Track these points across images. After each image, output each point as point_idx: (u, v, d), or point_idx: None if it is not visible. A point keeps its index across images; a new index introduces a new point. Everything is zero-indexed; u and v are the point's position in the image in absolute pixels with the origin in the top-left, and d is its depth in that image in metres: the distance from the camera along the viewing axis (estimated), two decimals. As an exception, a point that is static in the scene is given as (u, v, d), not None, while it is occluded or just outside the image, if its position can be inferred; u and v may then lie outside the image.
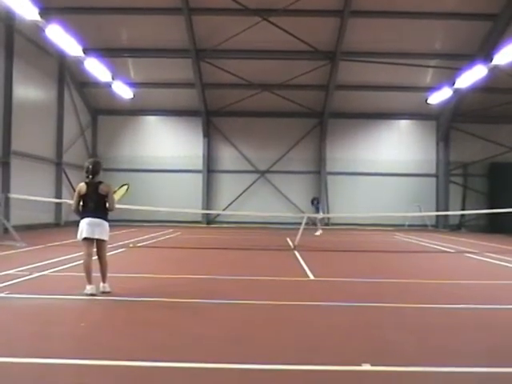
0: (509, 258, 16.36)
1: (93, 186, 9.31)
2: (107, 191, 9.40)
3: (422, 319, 7.87)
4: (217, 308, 8.41)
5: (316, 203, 29.11)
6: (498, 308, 8.78)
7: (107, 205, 9.46)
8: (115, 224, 33.64)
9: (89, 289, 9.03)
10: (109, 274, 9.42)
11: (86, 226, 9.23)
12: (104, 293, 9.20)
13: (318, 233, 27.77)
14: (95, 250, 9.44)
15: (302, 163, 36.67)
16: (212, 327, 7.14)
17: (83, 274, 9.09)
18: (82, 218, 9.32)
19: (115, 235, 24.01)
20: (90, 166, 9.35)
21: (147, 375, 5.21)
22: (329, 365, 5.52)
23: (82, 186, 9.34)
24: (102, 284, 9.31)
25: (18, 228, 20.42)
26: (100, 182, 9.39)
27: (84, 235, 9.25)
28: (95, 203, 9.30)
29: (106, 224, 9.47)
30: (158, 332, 6.85)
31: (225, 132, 36.85)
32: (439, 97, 32.05)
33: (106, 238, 9.44)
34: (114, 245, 18.47)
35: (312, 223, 29.55)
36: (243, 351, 6.04)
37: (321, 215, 28.53)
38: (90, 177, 9.33)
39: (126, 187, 12.06)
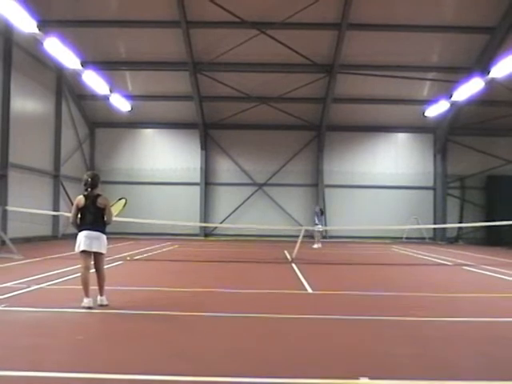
0: (506, 271, 16.35)
1: (91, 198, 9.28)
2: (105, 204, 9.38)
3: (420, 332, 7.84)
4: (214, 321, 8.37)
5: (319, 216, 28.20)
6: (498, 321, 8.76)
7: (105, 218, 9.42)
8: (112, 236, 33.58)
9: (86, 302, 8.95)
10: (106, 287, 9.38)
11: (84, 239, 9.17)
12: (101, 306, 9.14)
13: (315, 245, 27.64)
14: (93, 262, 9.39)
15: (300, 176, 36.71)
16: (208, 341, 7.11)
17: (81, 287, 9.06)
18: (80, 231, 9.26)
19: (112, 248, 23.96)
20: (89, 179, 9.32)
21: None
22: (326, 378, 5.48)
23: (80, 199, 9.30)
24: (99, 297, 9.26)
25: (15, 240, 20.41)
26: (98, 195, 9.35)
27: (82, 248, 9.18)
28: (93, 216, 9.26)
29: (104, 237, 9.43)
30: (154, 345, 6.81)
31: (222, 144, 36.89)
32: (436, 110, 32.14)
33: (103, 251, 9.40)
34: (111, 258, 18.43)
35: (311, 235, 29.17)
36: (239, 365, 6.01)
37: (320, 227, 28.16)
38: (89, 189, 9.30)
39: (123, 202, 11.95)
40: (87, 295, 9.05)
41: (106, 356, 6.31)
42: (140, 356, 6.30)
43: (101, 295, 9.31)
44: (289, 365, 6.03)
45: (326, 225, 29.21)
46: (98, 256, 9.39)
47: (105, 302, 9.24)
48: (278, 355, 6.44)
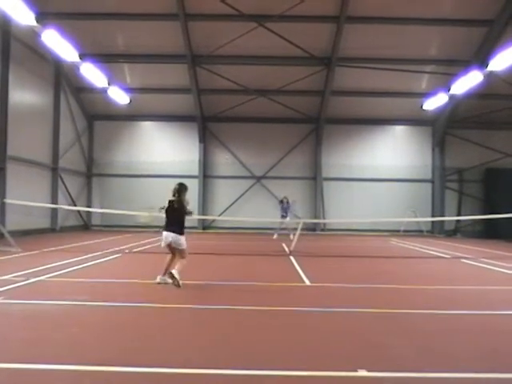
0: (504, 264, 16.38)
1: (175, 203, 11.13)
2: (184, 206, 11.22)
3: (418, 325, 7.86)
4: (212, 313, 8.39)
5: (286, 204, 27.92)
6: (495, 313, 8.78)
7: (184, 219, 11.18)
8: (110, 229, 33.80)
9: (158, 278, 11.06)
10: (101, 280, 9.42)
11: (165, 238, 11.13)
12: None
13: (274, 236, 27.73)
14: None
15: (298, 169, 36.72)
16: (204, 332, 7.13)
17: (78, 280, 9.11)
18: (163, 231, 11.24)
19: (110, 241, 24.02)
20: (177, 187, 11.23)
21: (139, 381, 5.19)
22: (324, 370, 5.50)
23: (166, 203, 11.25)
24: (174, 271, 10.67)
25: (13, 233, 20.41)
26: (181, 200, 11.12)
27: (164, 245, 11.22)
28: (175, 218, 11.09)
29: (182, 236, 11.12)
30: (152, 337, 6.83)
31: (221, 137, 36.89)
32: (435, 103, 32.15)
33: (184, 247, 11.12)
34: (109, 250, 18.46)
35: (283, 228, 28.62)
36: (234, 356, 6.03)
37: (288, 219, 27.70)
38: (176, 195, 11.12)
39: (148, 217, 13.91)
40: (163, 274, 11.01)
41: (101, 348, 6.33)
42: (135, 348, 6.32)
43: (176, 269, 10.69)
44: (286, 357, 6.05)
45: (292, 215, 28.74)
46: (178, 250, 11.16)
47: (176, 274, 10.58)
48: (275, 347, 6.45)
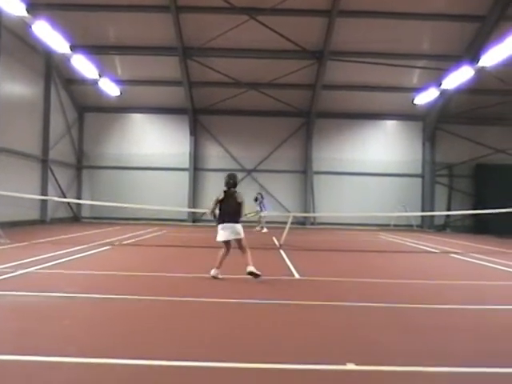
0: (493, 259, 16.45)
1: (230, 195, 11.22)
2: (242, 200, 11.28)
3: (407, 319, 7.88)
4: (201, 306, 8.38)
5: (260, 200, 29.44)
6: (484, 308, 8.81)
7: (241, 211, 11.25)
8: (100, 222, 33.74)
9: (213, 271, 11.00)
10: (91, 272, 9.39)
11: (223, 231, 11.15)
12: (251, 273, 10.84)
13: (263, 230, 28.07)
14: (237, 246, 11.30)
15: (289, 162, 36.75)
16: (194, 326, 7.13)
17: (68, 272, 9.08)
18: (220, 223, 11.23)
19: (100, 233, 23.97)
20: (230, 180, 11.32)
21: (132, 373, 5.19)
22: (313, 364, 5.51)
23: (220, 195, 11.24)
24: (248, 266, 10.88)
25: (2, 225, 20.33)
26: (235, 192, 11.27)
27: (221, 239, 11.19)
28: (232, 209, 11.15)
29: (239, 225, 11.26)
30: (139, 330, 6.83)
31: (211, 130, 36.86)
32: (426, 97, 32.22)
33: (241, 236, 11.16)
34: (99, 242, 18.43)
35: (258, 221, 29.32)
36: (225, 350, 6.03)
37: (264, 213, 28.50)
38: (229, 188, 11.25)
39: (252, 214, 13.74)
40: (217, 267, 11.01)
41: (92, 340, 6.32)
42: (125, 340, 6.32)
43: (249, 265, 10.88)
44: (275, 350, 6.05)
45: (263, 210, 29.31)
46: (238, 240, 11.16)
47: (252, 269, 10.81)
48: (263, 341, 6.46)
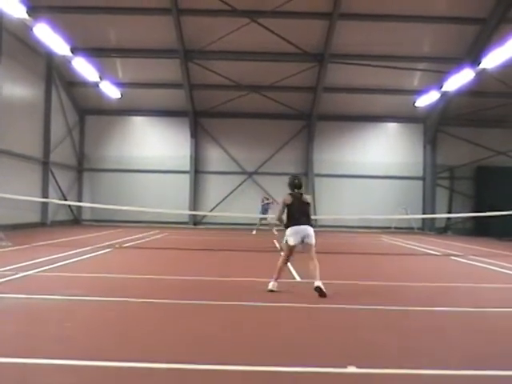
0: (494, 261, 16.42)
1: (297, 197, 10.39)
2: (310, 200, 10.65)
3: (408, 322, 7.87)
4: (203, 309, 8.37)
5: (266, 204, 29.90)
6: (484, 311, 8.79)
7: (310, 212, 10.49)
8: (101, 224, 33.73)
9: (270, 285, 10.01)
10: (92, 274, 9.37)
11: (294, 235, 10.17)
12: (318, 289, 9.55)
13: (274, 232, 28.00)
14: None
15: (290, 165, 36.66)
16: (194, 328, 7.12)
17: (68, 274, 9.06)
18: (289, 227, 10.26)
19: (101, 235, 23.97)
20: (295, 181, 10.56)
21: (131, 375, 5.18)
22: (314, 367, 5.49)
23: (287, 198, 10.38)
24: (315, 281, 9.68)
25: (3, 227, 20.37)
26: (302, 194, 10.46)
27: (292, 243, 10.16)
28: (300, 212, 10.30)
29: (311, 229, 10.42)
30: (140, 332, 6.83)
31: (212, 133, 36.86)
32: (427, 100, 32.21)
33: (313, 241, 10.30)
34: (100, 245, 18.42)
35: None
36: (225, 351, 6.02)
37: (270, 216, 28.22)
38: (295, 190, 10.44)
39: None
40: (275, 279, 10.10)
41: (94, 343, 6.30)
42: (127, 343, 6.31)
43: (316, 278, 9.75)
44: (277, 353, 6.03)
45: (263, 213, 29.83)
46: (309, 246, 10.25)
47: (321, 285, 9.56)
48: (265, 343, 6.44)
